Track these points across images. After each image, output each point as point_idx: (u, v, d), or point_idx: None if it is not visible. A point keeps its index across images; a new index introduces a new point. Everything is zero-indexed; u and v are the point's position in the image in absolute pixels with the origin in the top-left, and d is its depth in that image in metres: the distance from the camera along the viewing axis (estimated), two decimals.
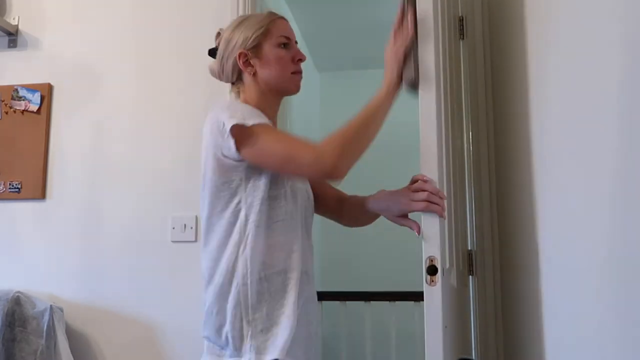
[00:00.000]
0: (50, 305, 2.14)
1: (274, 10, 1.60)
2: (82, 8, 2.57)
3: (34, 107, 2.49)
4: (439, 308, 1.30)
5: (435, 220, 1.33)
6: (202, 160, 1.43)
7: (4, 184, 2.46)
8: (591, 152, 1.09)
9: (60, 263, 2.37)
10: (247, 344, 1.33)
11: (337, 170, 1.30)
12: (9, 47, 2.57)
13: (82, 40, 2.54)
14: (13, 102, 2.50)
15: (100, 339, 2.31)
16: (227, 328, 1.34)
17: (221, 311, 1.36)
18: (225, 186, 1.38)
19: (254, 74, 1.49)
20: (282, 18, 1.55)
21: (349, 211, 1.61)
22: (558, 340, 1.34)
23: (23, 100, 2.50)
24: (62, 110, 2.49)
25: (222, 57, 1.53)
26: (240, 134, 1.32)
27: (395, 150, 4.20)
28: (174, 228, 2.32)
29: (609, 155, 1.01)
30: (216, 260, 1.38)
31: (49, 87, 2.50)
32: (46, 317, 2.11)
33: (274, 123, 1.53)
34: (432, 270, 1.31)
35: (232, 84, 1.55)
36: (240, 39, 1.49)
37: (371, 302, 3.27)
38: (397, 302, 3.25)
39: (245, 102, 1.49)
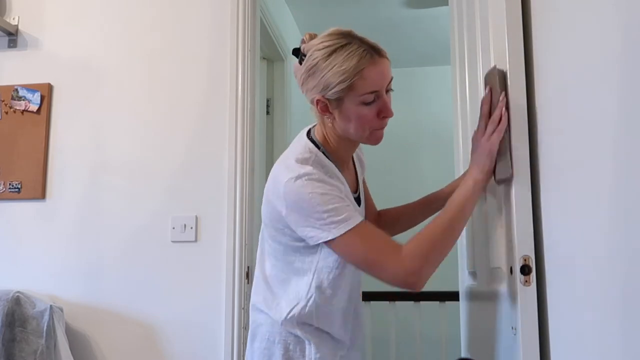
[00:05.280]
0: (50, 305, 2.14)
1: (377, 46, 1.35)
2: (82, 8, 2.57)
3: (34, 107, 2.48)
4: (534, 310, 1.25)
5: (529, 219, 1.28)
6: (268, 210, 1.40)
7: (4, 184, 2.46)
8: (592, 149, 1.08)
9: (60, 263, 2.37)
10: None
11: (420, 282, 1.27)
12: (9, 47, 2.57)
13: (82, 40, 2.54)
14: (13, 102, 2.50)
15: (100, 339, 2.31)
16: None
17: None
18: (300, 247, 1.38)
19: (333, 120, 1.38)
20: (378, 62, 1.33)
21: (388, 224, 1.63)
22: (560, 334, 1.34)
23: (23, 100, 2.50)
24: (62, 110, 2.49)
25: (303, 83, 1.39)
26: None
27: (403, 148, 4.21)
28: (174, 228, 2.32)
29: (610, 152, 1.00)
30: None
31: (49, 87, 2.50)
32: (46, 317, 2.10)
33: (347, 162, 1.49)
34: (525, 270, 1.25)
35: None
36: (322, 81, 1.32)
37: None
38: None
39: (324, 139, 1.43)
